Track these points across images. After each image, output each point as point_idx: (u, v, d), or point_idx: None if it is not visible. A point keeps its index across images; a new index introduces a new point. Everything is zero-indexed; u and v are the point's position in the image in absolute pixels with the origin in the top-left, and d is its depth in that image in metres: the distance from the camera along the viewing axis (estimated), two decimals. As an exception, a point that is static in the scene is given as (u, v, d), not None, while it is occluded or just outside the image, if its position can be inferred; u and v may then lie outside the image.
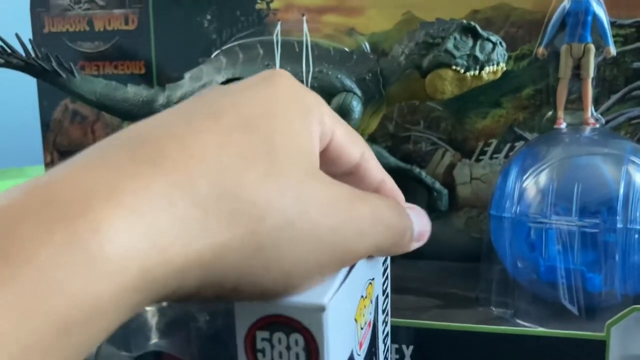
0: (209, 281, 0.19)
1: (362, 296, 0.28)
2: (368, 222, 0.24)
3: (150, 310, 0.28)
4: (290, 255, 0.20)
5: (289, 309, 0.23)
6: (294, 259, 0.21)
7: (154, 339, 0.27)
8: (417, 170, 0.52)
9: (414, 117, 0.55)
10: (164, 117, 0.21)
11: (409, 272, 0.53)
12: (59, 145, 0.62)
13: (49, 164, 0.63)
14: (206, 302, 0.22)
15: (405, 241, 0.27)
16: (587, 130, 0.49)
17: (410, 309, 0.46)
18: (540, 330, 0.40)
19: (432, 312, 0.46)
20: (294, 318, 0.23)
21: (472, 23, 0.46)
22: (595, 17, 0.49)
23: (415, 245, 0.28)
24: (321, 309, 0.22)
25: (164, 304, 0.28)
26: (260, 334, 0.23)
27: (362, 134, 0.51)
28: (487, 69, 0.46)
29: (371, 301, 0.30)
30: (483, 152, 0.54)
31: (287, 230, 0.20)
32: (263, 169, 0.20)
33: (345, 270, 0.26)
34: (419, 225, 0.28)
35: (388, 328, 0.34)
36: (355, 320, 0.27)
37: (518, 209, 0.44)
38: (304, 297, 0.23)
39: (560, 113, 0.51)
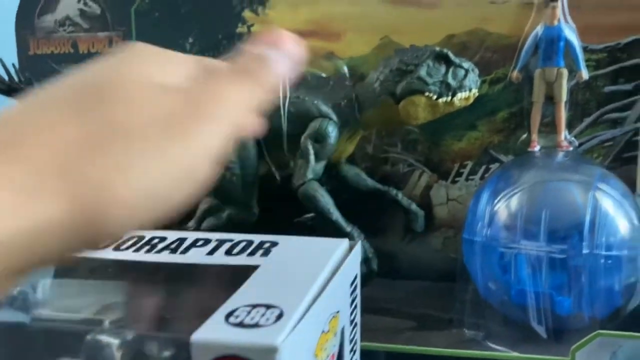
0: (68, 242, 0.20)
1: (323, 331, 0.29)
2: (212, 129, 0.23)
3: (115, 344, 0.29)
4: (136, 202, 0.21)
5: (243, 350, 0.24)
6: (140, 202, 0.21)
7: (119, 373, 0.28)
8: (394, 192, 0.53)
9: (391, 139, 0.56)
10: (22, 102, 0.23)
11: (386, 293, 0.53)
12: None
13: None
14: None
15: (268, 86, 0.25)
16: (560, 154, 0.50)
17: (385, 330, 0.47)
18: (509, 354, 0.41)
19: (406, 334, 0.47)
20: (247, 358, 0.23)
21: (445, 50, 0.47)
22: (568, 42, 0.50)
23: (285, 73, 0.26)
24: (273, 350, 0.23)
25: (129, 337, 0.29)
26: (217, 373, 0.24)
27: (339, 158, 0.52)
28: (459, 95, 0.47)
29: (335, 334, 0.31)
30: (459, 174, 0.55)
31: (122, 184, 0.20)
32: (98, 135, 0.21)
33: (304, 305, 0.27)
34: (283, 57, 0.26)
35: (357, 356, 0.35)
36: (315, 355, 0.28)
37: (489, 232, 0.45)
38: (259, 338, 0.24)
39: (534, 136, 0.52)
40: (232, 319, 0.25)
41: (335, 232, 0.47)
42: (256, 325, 0.25)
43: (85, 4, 0.60)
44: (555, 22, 0.50)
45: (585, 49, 0.51)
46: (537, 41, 0.51)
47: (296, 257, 0.32)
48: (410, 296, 0.54)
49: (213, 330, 0.25)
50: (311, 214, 0.50)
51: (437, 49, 0.47)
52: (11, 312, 0.31)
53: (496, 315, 0.47)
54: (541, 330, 0.44)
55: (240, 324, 0.25)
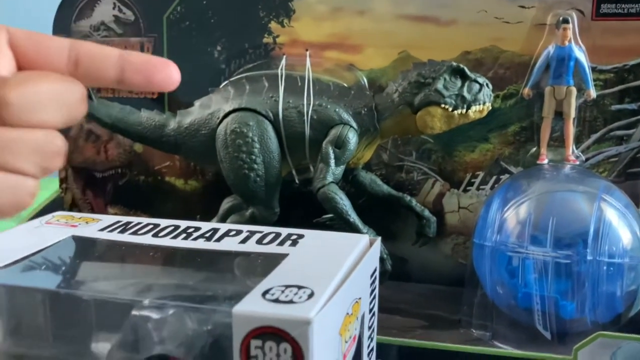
0: None
1: (347, 313, 0.31)
2: None
3: (155, 319, 0.31)
4: None
5: (279, 322, 0.26)
6: None
7: (159, 345, 0.31)
8: (407, 198, 0.56)
9: (406, 148, 0.58)
10: None
11: (398, 294, 0.56)
12: (73, 162, 0.66)
13: (63, 179, 0.66)
14: None
15: None
16: (567, 167, 0.53)
17: (396, 329, 0.50)
18: (513, 351, 0.43)
19: (417, 332, 0.50)
20: (283, 329, 0.26)
21: (461, 65, 0.50)
22: (577, 62, 0.53)
23: None
24: (307, 322, 0.26)
25: (169, 313, 0.31)
26: (254, 342, 0.26)
27: (357, 163, 0.55)
28: (473, 108, 0.50)
29: (357, 318, 0.33)
30: (470, 183, 0.57)
31: None
32: None
33: (332, 288, 0.29)
34: None
35: (374, 344, 0.38)
36: (340, 334, 0.30)
37: (498, 238, 0.48)
38: (294, 311, 0.27)
39: (543, 150, 0.54)
40: (268, 296, 0.28)
41: (352, 232, 0.50)
42: (291, 302, 0.27)
43: (120, 10, 0.63)
44: (566, 43, 0.53)
45: (593, 69, 0.54)
46: (549, 60, 0.53)
47: (322, 248, 0.35)
48: (421, 298, 0.56)
49: (252, 304, 0.27)
50: (329, 215, 0.53)
51: (454, 64, 0.50)
52: (60, 279, 0.34)
53: (503, 318, 0.49)
54: (545, 333, 0.46)
55: (276, 300, 0.28)
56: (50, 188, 0.68)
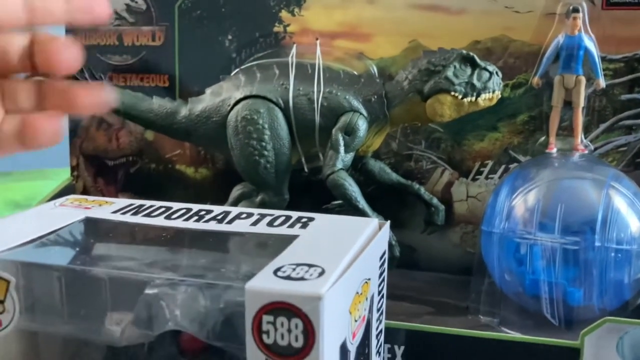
0: None
1: (357, 292, 0.32)
2: None
3: (168, 297, 0.32)
4: None
5: (291, 297, 0.27)
6: None
7: (172, 321, 0.31)
8: (416, 186, 0.56)
9: (416, 137, 0.59)
10: None
11: (405, 282, 0.56)
12: (85, 150, 0.67)
13: (74, 167, 0.67)
14: None
15: None
16: (576, 155, 0.53)
17: (404, 314, 0.50)
18: (520, 336, 0.43)
19: (424, 317, 0.50)
20: (294, 305, 0.27)
21: (471, 53, 0.50)
22: (587, 51, 0.53)
23: None
24: (318, 297, 0.26)
25: (182, 291, 0.32)
26: (266, 318, 0.27)
27: (366, 151, 0.55)
28: (483, 96, 0.50)
29: (366, 298, 0.34)
30: (479, 172, 0.58)
31: None
32: None
33: (342, 267, 0.30)
34: None
35: (382, 326, 0.38)
36: (350, 312, 0.31)
37: (506, 225, 0.48)
38: (305, 288, 0.27)
39: (552, 139, 0.55)
40: (280, 273, 0.28)
41: (361, 219, 0.50)
42: (302, 279, 0.28)
43: (132, -1, 0.64)
44: (576, 32, 0.53)
45: (603, 59, 0.54)
46: (558, 49, 0.53)
47: (332, 230, 0.36)
48: (428, 286, 0.57)
49: (264, 281, 0.28)
50: (338, 201, 0.53)
51: (464, 52, 0.50)
52: (75, 257, 0.34)
53: (511, 305, 0.49)
54: (553, 320, 0.47)
55: (288, 277, 0.28)
56: (61, 177, 0.69)
